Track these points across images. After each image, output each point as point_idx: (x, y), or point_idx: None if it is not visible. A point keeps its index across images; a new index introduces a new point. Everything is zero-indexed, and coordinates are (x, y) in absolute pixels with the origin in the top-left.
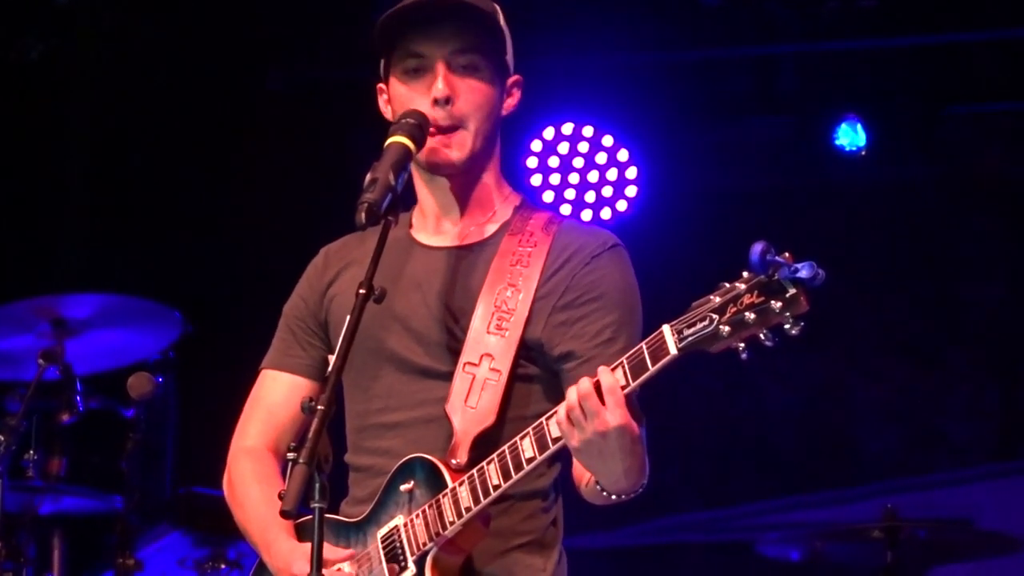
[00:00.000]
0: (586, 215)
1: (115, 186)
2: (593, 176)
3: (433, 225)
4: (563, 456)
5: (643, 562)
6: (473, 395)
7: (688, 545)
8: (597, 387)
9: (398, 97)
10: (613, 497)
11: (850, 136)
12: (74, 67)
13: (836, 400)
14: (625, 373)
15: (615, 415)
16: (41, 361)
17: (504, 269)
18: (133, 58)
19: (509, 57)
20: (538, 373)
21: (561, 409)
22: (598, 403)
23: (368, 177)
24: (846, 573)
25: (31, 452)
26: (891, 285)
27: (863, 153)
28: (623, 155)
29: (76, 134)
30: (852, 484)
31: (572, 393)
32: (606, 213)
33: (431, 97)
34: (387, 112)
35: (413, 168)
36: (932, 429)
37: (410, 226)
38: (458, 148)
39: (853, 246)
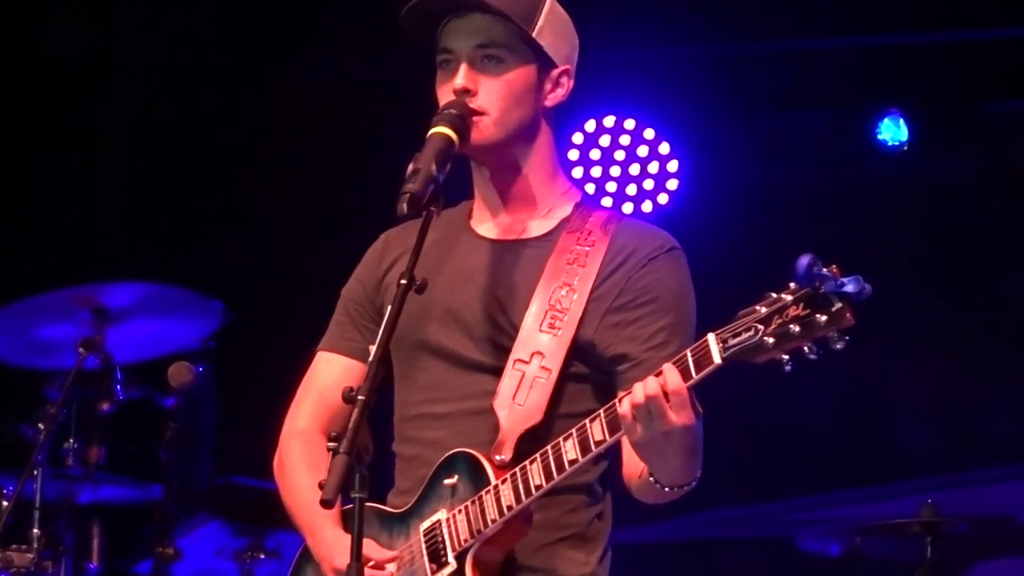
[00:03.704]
0: (627, 208)
1: (155, 176)
2: (634, 169)
3: (485, 216)
4: (610, 452)
5: (682, 557)
6: (521, 392)
7: (727, 540)
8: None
9: (438, 90)
10: (667, 490)
11: (892, 131)
12: (113, 57)
13: (875, 396)
14: None
15: (680, 415)
16: (81, 350)
17: (560, 268)
18: (171, 47)
19: (553, 47)
20: (588, 372)
21: (625, 405)
22: (664, 402)
23: (410, 167)
24: (886, 568)
25: (70, 441)
26: (931, 280)
27: (905, 148)
28: (664, 148)
29: (116, 124)
30: (891, 480)
31: (639, 391)
32: (647, 206)
33: (451, 89)
34: None
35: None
36: (971, 426)
37: (470, 214)
38: (480, 131)
39: (893, 241)
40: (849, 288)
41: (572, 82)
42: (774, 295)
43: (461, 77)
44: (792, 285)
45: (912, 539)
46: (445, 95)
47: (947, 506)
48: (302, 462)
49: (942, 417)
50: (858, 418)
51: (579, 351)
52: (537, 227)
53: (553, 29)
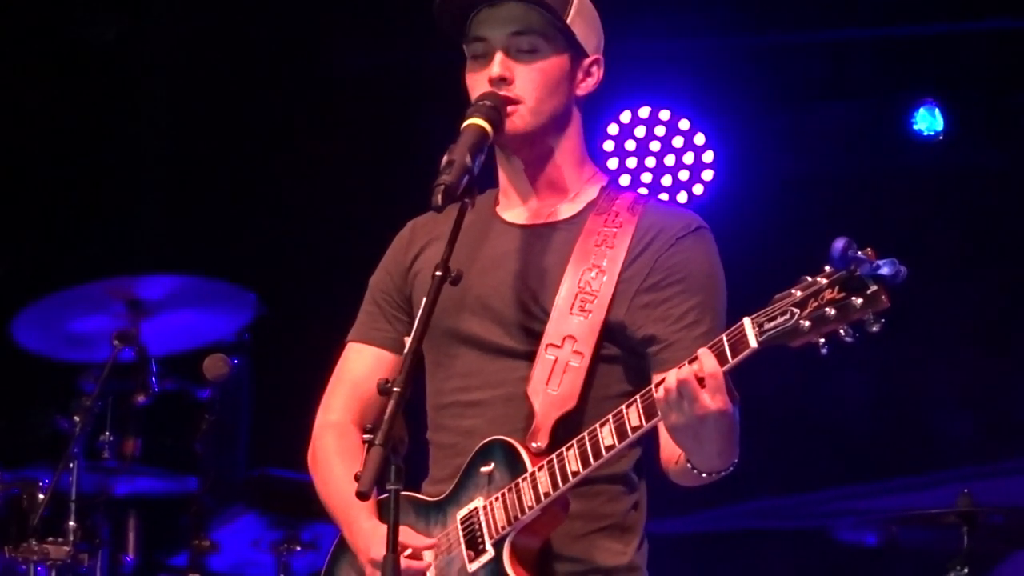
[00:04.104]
0: (662, 199)
1: (190, 168)
2: (670, 160)
3: (513, 204)
4: (646, 439)
5: (718, 548)
6: (555, 378)
7: (764, 531)
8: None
9: (468, 81)
10: (704, 476)
11: (928, 121)
12: (150, 49)
13: (912, 386)
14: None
15: (715, 400)
16: (116, 342)
17: (589, 250)
18: (208, 40)
19: (584, 37)
20: (620, 354)
21: (660, 390)
22: (698, 387)
23: (445, 159)
24: (922, 558)
25: (106, 433)
26: (967, 270)
27: (940, 138)
28: (700, 139)
29: (152, 116)
30: (928, 470)
31: (671, 376)
32: (682, 197)
33: (487, 78)
34: None
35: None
36: (1008, 415)
37: (495, 202)
38: (516, 120)
39: (930, 231)
40: (885, 270)
41: (602, 72)
42: (809, 279)
43: (497, 66)
44: (827, 268)
45: (948, 529)
46: (478, 84)
47: (983, 496)
48: (336, 454)
49: (979, 407)
50: (895, 408)
51: (610, 333)
52: (564, 211)
53: (584, 19)
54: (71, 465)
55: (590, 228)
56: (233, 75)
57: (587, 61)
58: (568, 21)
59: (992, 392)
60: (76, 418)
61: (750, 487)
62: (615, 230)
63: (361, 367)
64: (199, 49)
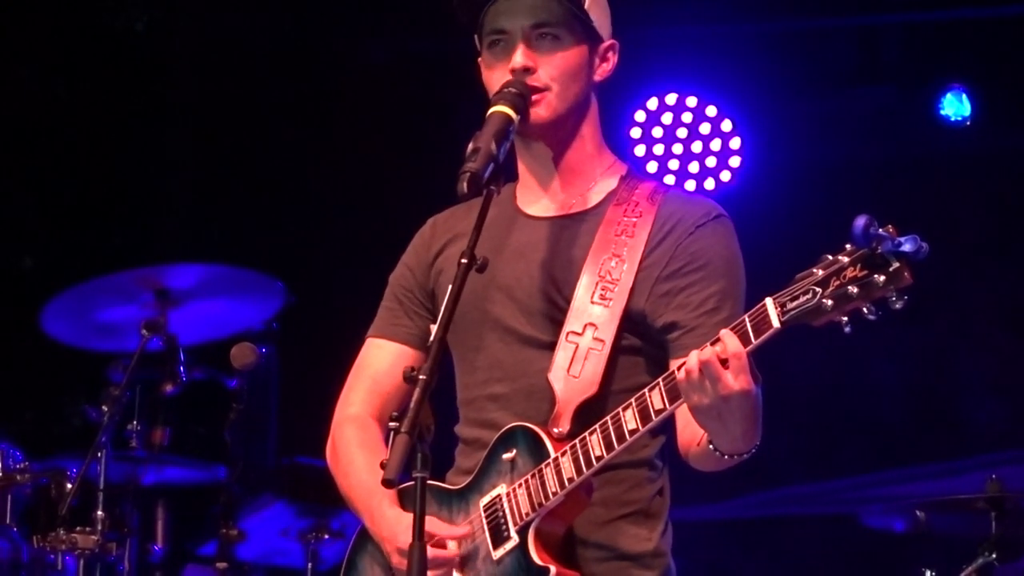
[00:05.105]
0: (689, 186)
1: (218, 157)
2: (697, 147)
3: (535, 195)
4: (668, 426)
5: (748, 534)
6: (576, 364)
7: (793, 517)
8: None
9: (486, 73)
10: (726, 458)
11: (955, 106)
12: (179, 38)
13: (942, 372)
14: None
15: (739, 380)
16: (144, 332)
17: (609, 239)
18: (235, 29)
19: (599, 23)
20: (641, 345)
21: (681, 371)
22: (721, 368)
23: (470, 147)
24: (950, 544)
25: (134, 423)
26: (996, 256)
27: (968, 123)
28: (727, 125)
29: (180, 105)
30: (958, 456)
31: (693, 357)
32: (709, 184)
33: (509, 68)
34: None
35: (514, 138)
36: None
37: (514, 197)
38: (543, 108)
39: (958, 217)
40: (906, 247)
41: (617, 57)
42: (831, 257)
43: (520, 56)
44: (848, 246)
45: (977, 515)
46: (498, 75)
47: (1012, 481)
48: (357, 446)
49: (1008, 392)
50: (924, 394)
51: (631, 322)
52: (585, 201)
53: (599, 5)
54: (100, 454)
55: (610, 218)
56: (261, 64)
57: (603, 46)
58: (586, 8)
59: (1022, 378)
60: (105, 407)
61: (780, 473)
62: (635, 220)
63: (381, 362)
64: (227, 39)
